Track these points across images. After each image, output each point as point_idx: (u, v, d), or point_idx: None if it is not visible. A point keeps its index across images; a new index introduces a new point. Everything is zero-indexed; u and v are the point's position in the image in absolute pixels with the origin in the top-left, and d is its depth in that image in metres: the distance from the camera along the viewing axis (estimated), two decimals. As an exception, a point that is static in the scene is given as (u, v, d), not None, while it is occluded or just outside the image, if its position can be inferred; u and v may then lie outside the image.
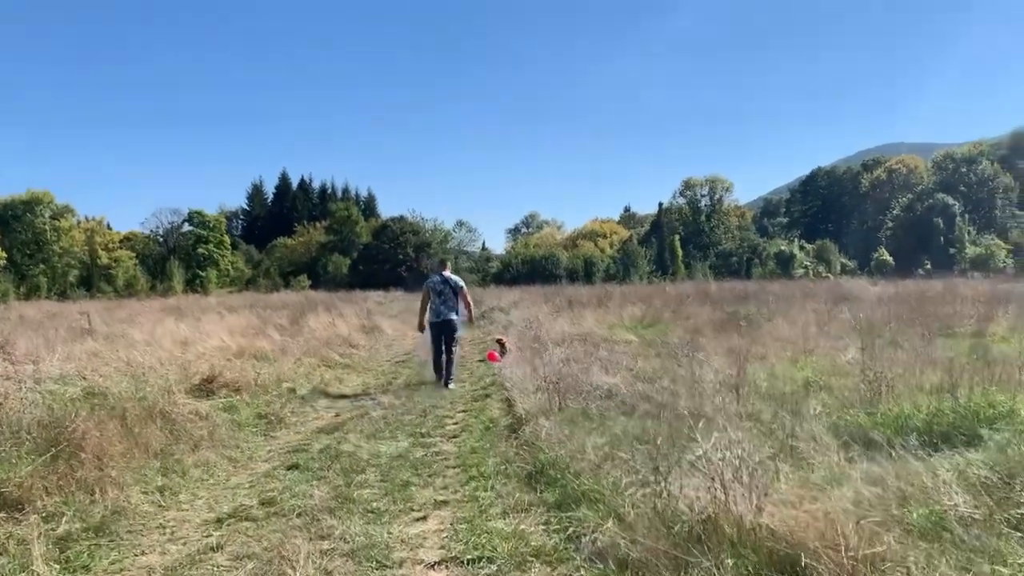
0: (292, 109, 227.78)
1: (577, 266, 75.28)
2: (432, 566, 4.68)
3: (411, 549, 4.92)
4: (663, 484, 4.81)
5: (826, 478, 5.28)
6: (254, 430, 8.76)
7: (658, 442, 6.10)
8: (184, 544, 5.10)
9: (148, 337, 17.34)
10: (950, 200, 72.59)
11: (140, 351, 13.40)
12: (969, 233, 72.17)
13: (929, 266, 64.26)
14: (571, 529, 5.01)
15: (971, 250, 69.58)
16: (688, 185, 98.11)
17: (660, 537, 4.31)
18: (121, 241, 79.98)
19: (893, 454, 5.46)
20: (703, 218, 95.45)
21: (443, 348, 12.25)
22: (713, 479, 4.41)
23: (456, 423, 9.15)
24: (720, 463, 4.53)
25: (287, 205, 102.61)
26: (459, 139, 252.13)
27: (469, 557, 4.73)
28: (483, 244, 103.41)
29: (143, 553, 4.97)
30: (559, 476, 6.13)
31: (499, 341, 15.92)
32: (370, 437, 8.24)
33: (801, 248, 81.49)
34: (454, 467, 6.98)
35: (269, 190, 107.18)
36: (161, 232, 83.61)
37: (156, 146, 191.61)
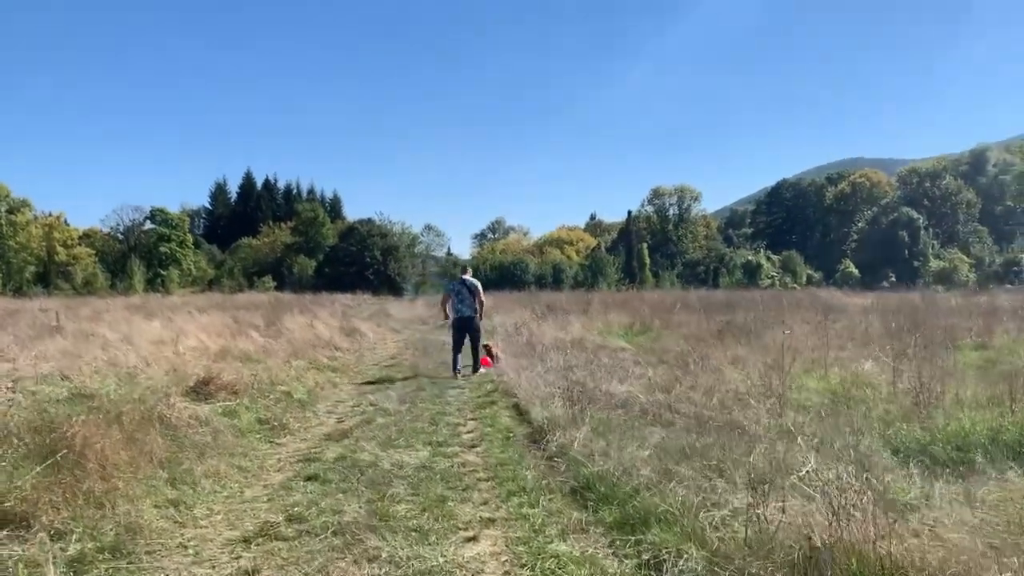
0: (256, 108, 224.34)
1: (546, 272, 75.08)
2: (503, 596, 4.20)
3: (472, 575, 4.42)
4: (760, 507, 4.34)
5: (917, 499, 4.89)
6: (258, 436, 8.16)
7: (725, 459, 5.67)
8: (213, 568, 4.54)
9: (121, 336, 16.58)
10: (914, 214, 73.55)
11: (120, 350, 12.70)
12: (932, 247, 73.14)
13: (894, 278, 64.93)
14: (646, 555, 4.55)
15: (935, 263, 70.52)
16: (657, 194, 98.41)
17: (769, 568, 3.86)
18: (80, 238, 77.93)
19: (990, 472, 5.08)
20: (671, 227, 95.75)
21: (464, 340, 13.90)
22: (831, 502, 3.96)
23: (471, 432, 8.65)
24: (834, 484, 4.10)
25: (251, 205, 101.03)
26: (425, 142, 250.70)
27: (542, 585, 4.26)
28: (448, 249, 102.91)
29: (169, 578, 4.41)
30: (609, 492, 5.67)
31: (487, 347, 15.38)
32: (385, 446, 7.70)
33: (767, 259, 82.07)
34: (486, 480, 6.48)
35: (233, 189, 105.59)
36: (122, 229, 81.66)
37: (117, 142, 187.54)
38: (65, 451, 5.79)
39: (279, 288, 68.29)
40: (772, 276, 77.17)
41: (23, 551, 4.40)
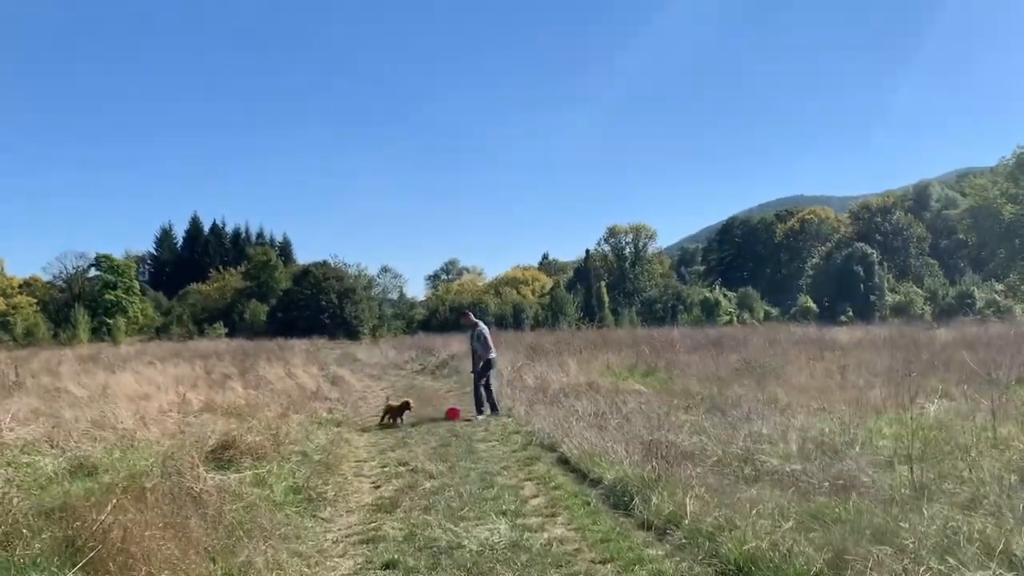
0: (201, 152, 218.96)
1: (506, 312, 74.05)
2: None
3: None
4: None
5: None
6: (295, 510, 7.00)
7: (894, 530, 4.76)
8: None
9: (92, 392, 15.15)
10: (868, 249, 74.43)
11: (103, 409, 11.36)
12: (888, 281, 74.02)
13: (851, 313, 65.35)
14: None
15: (891, 297, 71.28)
16: (613, 232, 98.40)
17: None
18: (20, 286, 74.77)
19: None
20: (628, 265, 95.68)
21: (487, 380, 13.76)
22: None
23: (536, 496, 7.58)
24: None
25: (199, 250, 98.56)
26: (374, 184, 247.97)
27: None
28: (401, 291, 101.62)
29: None
30: (775, 577, 4.71)
31: (405, 404, 13.46)
32: (452, 518, 6.61)
33: (724, 295, 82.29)
34: (601, 562, 5.45)
35: (179, 234, 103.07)
36: (65, 277, 78.58)
37: (58, 188, 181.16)
38: (97, 546, 4.65)
39: (231, 334, 66.15)
40: (730, 312, 77.26)
41: None
